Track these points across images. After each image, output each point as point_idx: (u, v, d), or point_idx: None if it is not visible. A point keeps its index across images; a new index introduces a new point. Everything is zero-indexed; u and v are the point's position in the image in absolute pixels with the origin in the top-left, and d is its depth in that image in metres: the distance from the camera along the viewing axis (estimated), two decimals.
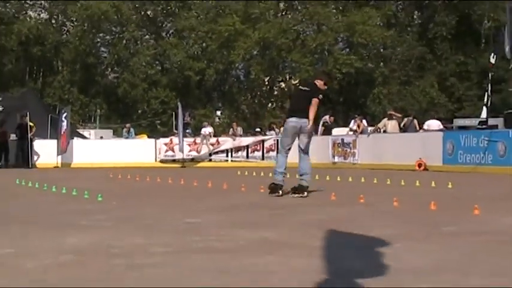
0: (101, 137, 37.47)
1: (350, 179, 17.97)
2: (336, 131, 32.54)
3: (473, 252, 6.08)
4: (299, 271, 5.26)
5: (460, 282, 4.85)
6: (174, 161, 32.93)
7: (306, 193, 12.39)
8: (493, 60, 24.44)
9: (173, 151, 33.17)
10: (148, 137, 37.43)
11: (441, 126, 27.85)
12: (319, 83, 12.84)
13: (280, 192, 12.54)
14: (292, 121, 12.69)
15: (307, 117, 12.47)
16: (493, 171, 21.01)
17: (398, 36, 46.27)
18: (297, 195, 12.34)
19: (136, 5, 46.65)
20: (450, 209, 9.85)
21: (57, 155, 32.15)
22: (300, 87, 13.35)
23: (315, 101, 12.47)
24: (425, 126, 27.54)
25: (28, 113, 32.39)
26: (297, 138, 12.91)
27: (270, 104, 48.22)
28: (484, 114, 24.00)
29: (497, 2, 42.00)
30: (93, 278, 5.14)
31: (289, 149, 13.00)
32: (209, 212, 10.08)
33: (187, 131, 35.42)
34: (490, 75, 24.41)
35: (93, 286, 4.84)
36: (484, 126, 23.44)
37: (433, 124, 27.65)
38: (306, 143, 12.81)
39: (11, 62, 49.07)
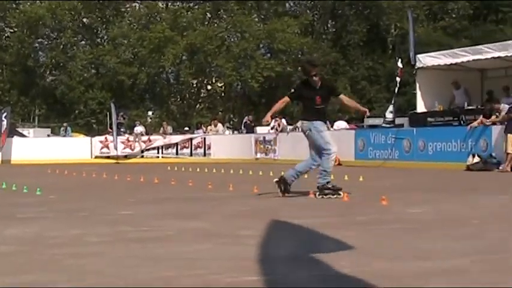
0: (48, 135, 36.76)
1: (271, 173, 18.02)
2: (259, 130, 32.69)
3: (381, 238, 6.17)
4: (225, 258, 5.25)
5: (370, 265, 4.91)
6: (108, 157, 32.64)
7: (330, 194, 10.23)
8: (401, 65, 24.86)
9: (108, 148, 32.90)
10: (85, 135, 36.96)
11: (347, 127, 28.27)
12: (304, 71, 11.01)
13: (281, 190, 10.59)
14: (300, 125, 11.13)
15: (302, 119, 10.84)
16: (400, 166, 21.39)
17: (314, 43, 46.65)
18: (324, 197, 10.26)
19: (72, 13, 45.93)
20: (362, 200, 9.98)
21: None
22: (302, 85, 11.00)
23: (342, 98, 11.23)
24: (334, 127, 27.85)
25: None
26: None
27: (197, 105, 48.16)
28: (389, 114, 24.37)
29: (403, 12, 42.67)
30: (34, 266, 5.04)
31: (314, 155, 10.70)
32: (141, 204, 10.00)
33: (121, 130, 35.11)
34: (397, 79, 24.81)
35: (34, 274, 4.74)
36: (391, 125, 23.83)
37: (341, 125, 28.06)
38: (315, 143, 10.66)
39: None
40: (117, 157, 32.23)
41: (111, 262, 5.16)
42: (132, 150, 33.10)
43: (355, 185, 13.40)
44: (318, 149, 10.49)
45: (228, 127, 38.04)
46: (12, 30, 47.49)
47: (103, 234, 6.65)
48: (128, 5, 47.76)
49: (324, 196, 10.15)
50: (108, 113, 41.43)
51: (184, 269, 4.84)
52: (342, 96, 11.10)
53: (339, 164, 23.59)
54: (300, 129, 10.89)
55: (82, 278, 4.56)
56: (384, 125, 24.53)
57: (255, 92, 45.15)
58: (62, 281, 4.47)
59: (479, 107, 21.53)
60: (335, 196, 10.09)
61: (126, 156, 32.90)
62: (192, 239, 6.35)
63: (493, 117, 19.76)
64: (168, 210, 9.01)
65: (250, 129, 32.49)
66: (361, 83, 47.27)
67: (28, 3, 46.43)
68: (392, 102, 24.90)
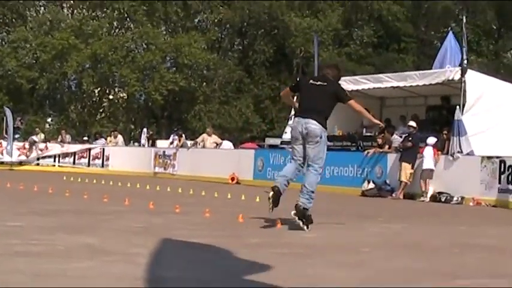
0: None
1: (168, 189, 17.95)
2: (159, 143, 32.57)
3: (270, 262, 6.21)
4: (116, 277, 5.20)
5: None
6: (1, 163, 31.74)
7: (303, 223, 9.11)
8: None
9: (1, 154, 32.00)
10: None
11: (231, 147, 28.33)
12: (330, 74, 9.82)
13: (271, 205, 9.35)
14: (294, 121, 9.60)
15: (315, 118, 9.28)
16: (297, 187, 21.59)
17: (220, 59, 46.83)
18: (297, 221, 9.18)
19: None
20: (256, 222, 10.04)
21: None
22: (312, 81, 9.77)
23: (352, 104, 9.66)
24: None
25: None
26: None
27: (98, 115, 47.51)
28: (286, 134, 24.68)
29: (310, 36, 43.33)
30: None
31: (302, 161, 9.57)
32: (33, 215, 9.78)
33: (17, 135, 34.22)
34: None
35: None
36: (289, 146, 24.12)
37: (226, 145, 28.14)
38: (310, 150, 9.42)
39: None
40: (11, 163, 31.41)
41: None
42: (27, 157, 32.33)
43: (252, 206, 13.48)
44: (310, 158, 9.41)
45: (131, 139, 37.77)
46: None
47: None
48: (31, 9, 46.75)
49: (297, 219, 9.10)
50: (4, 117, 40.32)
51: (71, 287, 4.76)
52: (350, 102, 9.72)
53: (238, 183, 23.74)
54: (299, 129, 9.32)
55: None
56: (281, 145, 24.83)
57: (157, 105, 44.89)
58: None
59: (376, 134, 22.08)
60: (304, 226, 9.06)
61: (21, 163, 32.09)
62: (82, 255, 6.25)
63: (386, 147, 20.31)
64: (60, 223, 8.84)
65: (153, 142, 32.56)
66: (265, 102, 47.71)
67: None
68: (290, 122, 25.23)
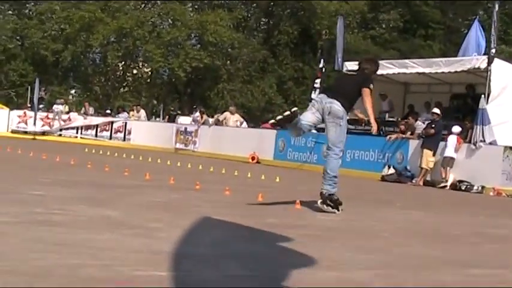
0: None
1: (189, 165, 18.02)
2: (181, 120, 32.65)
3: (289, 244, 6.24)
4: (135, 250, 5.24)
5: (274, 271, 4.98)
6: (25, 132, 32.03)
7: (332, 208, 9.13)
8: (321, 65, 25.27)
9: (26, 123, 32.28)
10: (6, 106, 36.13)
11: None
12: (368, 69, 10.00)
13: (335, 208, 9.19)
14: (319, 97, 9.57)
15: (340, 100, 9.24)
16: (317, 170, 21.59)
17: (245, 38, 46.73)
18: (326, 207, 9.15)
19: None
20: (275, 202, 10.06)
21: None
22: (348, 72, 10.07)
23: (365, 91, 9.45)
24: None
25: None
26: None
27: (122, 89, 47.66)
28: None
29: (335, 19, 43.14)
30: None
31: (308, 128, 9.37)
32: (55, 185, 9.86)
33: (41, 105, 34.48)
34: (317, 80, 25.14)
35: None
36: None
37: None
38: (331, 133, 9.34)
39: None
40: (34, 133, 31.66)
41: (17, 245, 5.09)
42: (51, 127, 32.57)
43: (272, 186, 13.51)
44: (331, 141, 9.34)
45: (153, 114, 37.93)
46: None
47: (10, 214, 6.54)
48: None
49: (325, 207, 9.10)
50: (29, 87, 40.65)
51: (90, 258, 4.81)
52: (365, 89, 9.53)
53: (257, 162, 23.77)
54: (322, 105, 9.23)
55: None
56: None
57: (181, 81, 44.95)
58: None
59: (399, 119, 21.98)
60: (333, 210, 9.09)
61: (43, 133, 32.34)
62: (102, 227, 6.30)
63: (408, 133, 20.24)
64: (81, 195, 8.91)
65: (173, 118, 32.71)
66: (288, 83, 47.62)
67: None
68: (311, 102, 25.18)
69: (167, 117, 34.63)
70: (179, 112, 36.16)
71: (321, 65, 25.49)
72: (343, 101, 9.29)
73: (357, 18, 46.31)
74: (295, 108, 9.20)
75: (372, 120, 9.74)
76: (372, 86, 9.53)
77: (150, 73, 47.33)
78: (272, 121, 9.10)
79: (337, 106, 9.23)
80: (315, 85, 25.12)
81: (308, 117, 9.26)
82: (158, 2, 46.21)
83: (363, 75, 9.75)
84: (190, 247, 5.67)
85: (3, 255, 4.66)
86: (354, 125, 22.55)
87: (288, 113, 8.87)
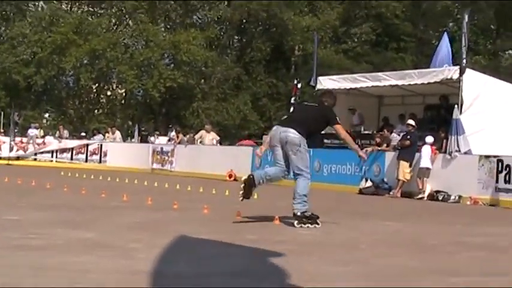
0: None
1: (166, 185, 17.96)
2: (157, 140, 32.59)
3: (269, 259, 6.24)
4: (114, 271, 5.22)
5: (249, 284, 4.99)
6: (0, 158, 31.80)
7: (311, 224, 9.33)
8: (295, 82, 25.38)
9: (0, 149, 32.06)
10: None
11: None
12: (328, 102, 10.07)
13: (241, 192, 9.65)
14: (273, 129, 10.05)
15: (295, 128, 9.52)
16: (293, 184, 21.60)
17: (218, 56, 46.82)
18: (304, 225, 9.29)
19: None
20: (254, 219, 10.07)
21: None
22: (306, 103, 10.87)
23: (338, 128, 9.96)
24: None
25: None
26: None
27: (96, 111, 47.51)
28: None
29: (308, 34, 43.40)
30: None
31: (284, 166, 9.73)
32: (31, 209, 9.80)
33: (15, 130, 34.28)
34: (292, 98, 25.18)
35: None
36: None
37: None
38: (294, 161, 9.63)
39: None
40: (8, 158, 31.44)
41: None
42: (25, 152, 32.38)
43: (250, 203, 13.48)
44: (296, 167, 9.63)
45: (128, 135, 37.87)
46: None
47: None
48: (30, 4, 46.69)
49: (303, 225, 9.23)
50: (2, 112, 40.41)
51: (68, 281, 4.78)
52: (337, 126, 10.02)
53: (235, 180, 23.75)
54: (279, 135, 9.59)
55: None
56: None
57: (155, 101, 44.89)
58: None
59: (374, 132, 22.09)
60: (313, 226, 9.28)
61: (18, 158, 32.13)
62: (80, 249, 6.28)
63: (384, 145, 20.36)
64: (58, 218, 8.86)
65: (146, 138, 32.83)
66: (263, 100, 47.73)
67: None
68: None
69: (139, 138, 34.70)
70: (157, 132, 36.05)
71: (295, 82, 25.54)
72: (299, 129, 9.53)
73: (329, 33, 46.57)
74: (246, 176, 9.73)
75: (360, 153, 10.67)
76: (338, 118, 9.91)
77: (124, 94, 47.23)
78: (240, 198, 9.59)
79: (292, 134, 9.50)
80: (292, 101, 25.18)
81: (280, 157, 9.65)
82: (130, 23, 46.17)
83: (324, 108, 9.94)
84: (169, 266, 5.66)
85: None
86: (330, 139, 22.68)
87: (243, 184, 9.56)
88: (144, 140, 33.16)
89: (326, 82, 23.34)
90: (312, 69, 25.15)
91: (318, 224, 9.32)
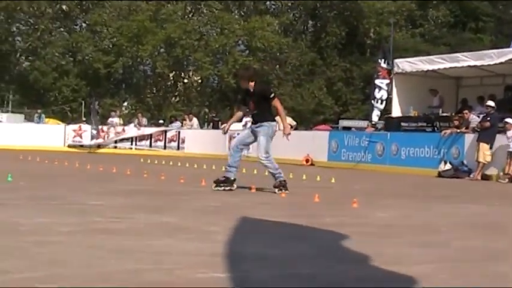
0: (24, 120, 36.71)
1: (244, 170, 18.01)
2: (233, 126, 32.71)
3: (347, 241, 6.20)
4: (194, 254, 5.27)
5: (333, 267, 4.96)
6: (81, 146, 32.52)
7: (284, 188, 11.17)
8: (384, 65, 24.95)
9: (81, 137, 32.76)
10: (61, 121, 36.82)
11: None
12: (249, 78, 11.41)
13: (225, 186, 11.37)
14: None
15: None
16: (372, 169, 21.49)
17: (293, 42, 46.73)
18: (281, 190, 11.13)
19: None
20: (332, 202, 10.03)
21: None
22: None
23: (276, 102, 11.57)
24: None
25: None
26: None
27: (173, 98, 48.05)
28: (375, 117, 24.64)
29: (383, 17, 42.91)
30: (1, 252, 5.02)
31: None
32: (112, 195, 9.97)
33: (96, 119, 35.01)
34: (383, 81, 24.80)
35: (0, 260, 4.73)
36: (379, 128, 24.01)
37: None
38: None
39: None
40: (89, 146, 32.13)
41: (79, 252, 5.16)
42: (105, 140, 32.99)
43: (326, 186, 13.47)
44: (260, 149, 11.49)
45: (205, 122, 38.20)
46: None
47: (72, 224, 6.63)
48: None
49: (280, 190, 11.01)
50: (83, 101, 41.32)
51: (151, 262, 4.85)
52: (275, 102, 11.35)
53: (311, 165, 23.72)
54: (256, 126, 11.43)
55: (48, 267, 4.56)
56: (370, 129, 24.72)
57: (230, 88, 45.14)
58: (28, 270, 4.45)
59: (453, 114, 21.71)
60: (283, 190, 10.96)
61: (98, 146, 32.78)
62: (160, 233, 6.35)
63: (463, 128, 19.97)
64: (138, 203, 9.00)
65: (216, 124, 33.07)
66: (337, 85, 47.45)
67: None
68: (380, 106, 24.81)
69: (211, 124, 34.97)
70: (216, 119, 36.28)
71: (384, 65, 25.04)
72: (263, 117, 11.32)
73: (405, 16, 45.95)
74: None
75: (287, 127, 11.74)
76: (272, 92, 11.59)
77: (200, 81, 47.64)
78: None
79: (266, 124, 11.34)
80: (380, 85, 24.76)
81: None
82: (205, 10, 46.48)
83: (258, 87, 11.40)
84: (247, 248, 5.67)
85: (65, 263, 4.73)
86: (408, 122, 22.41)
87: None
88: (215, 126, 33.29)
89: (403, 65, 23.06)
90: (390, 52, 24.79)
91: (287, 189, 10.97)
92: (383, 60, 25.32)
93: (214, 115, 37.99)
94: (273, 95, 11.37)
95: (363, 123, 34.61)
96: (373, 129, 23.46)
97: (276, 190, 11.03)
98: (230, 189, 11.21)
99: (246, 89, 11.34)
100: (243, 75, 11.53)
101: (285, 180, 11.24)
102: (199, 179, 13.09)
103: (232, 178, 11.40)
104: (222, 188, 11.23)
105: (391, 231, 7.12)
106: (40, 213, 7.44)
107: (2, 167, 15.48)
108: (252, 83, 11.18)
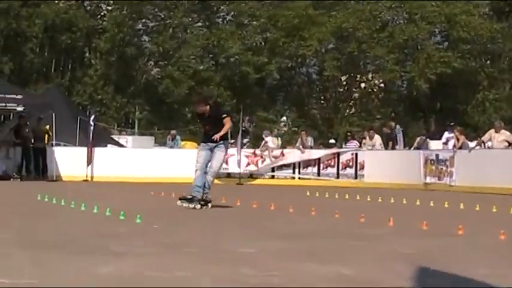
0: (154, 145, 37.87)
1: (446, 205, 17.80)
2: (431, 145, 32.37)
3: None
4: None
5: None
6: (228, 176, 33.01)
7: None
8: None
9: (227, 164, 33.28)
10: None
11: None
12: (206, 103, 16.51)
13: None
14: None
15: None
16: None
17: (509, 29, 45.73)
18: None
19: None
20: None
21: (87, 165, 32.42)
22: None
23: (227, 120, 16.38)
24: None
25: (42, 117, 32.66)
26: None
27: (347, 110, 48.00)
28: None
29: None
30: None
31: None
32: (269, 239, 10.05)
33: (245, 140, 35.50)
34: None
35: None
36: None
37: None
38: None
39: (34, 51, 48.00)
40: (239, 176, 32.58)
41: None
42: (259, 167, 33.32)
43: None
44: (215, 163, 16.20)
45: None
46: (109, 7, 48.50)
47: (218, 278, 6.72)
48: None
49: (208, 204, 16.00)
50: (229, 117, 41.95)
51: None
52: (226, 120, 16.15)
53: None
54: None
55: None
56: None
57: (423, 94, 44.61)
58: None
59: None
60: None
61: (251, 176, 33.19)
62: None
63: None
64: (304, 249, 9.02)
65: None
66: None
67: None
68: None
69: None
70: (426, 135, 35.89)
71: None
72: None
73: None
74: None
75: (222, 133, 15.89)
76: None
77: (382, 86, 47.41)
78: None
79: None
80: None
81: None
82: None
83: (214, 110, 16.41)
84: None
85: None
86: None
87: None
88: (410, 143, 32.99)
89: None
90: None
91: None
92: None
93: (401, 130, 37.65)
94: (225, 115, 16.26)
95: None
96: None
97: (198, 204, 15.79)
98: (194, 208, 15.63)
99: (202, 112, 16.10)
100: (199, 100, 16.58)
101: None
102: (385, 217, 13.02)
103: (199, 198, 15.87)
104: (186, 205, 15.82)
105: None
106: (177, 263, 7.59)
107: (128, 205, 15.96)
108: (207, 107, 16.04)
